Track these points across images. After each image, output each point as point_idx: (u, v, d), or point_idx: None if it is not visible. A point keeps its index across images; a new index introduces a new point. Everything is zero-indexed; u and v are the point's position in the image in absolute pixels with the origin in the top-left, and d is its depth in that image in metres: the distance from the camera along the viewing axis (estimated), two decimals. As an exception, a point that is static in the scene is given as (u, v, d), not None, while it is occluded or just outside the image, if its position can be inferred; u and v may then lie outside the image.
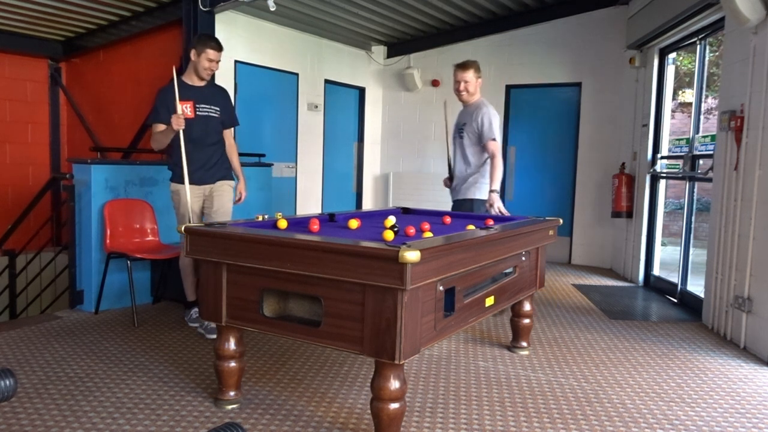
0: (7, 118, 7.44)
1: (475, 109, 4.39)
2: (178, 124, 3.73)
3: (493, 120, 4.32)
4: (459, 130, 4.48)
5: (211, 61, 3.93)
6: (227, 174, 4.17)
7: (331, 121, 7.89)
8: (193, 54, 3.94)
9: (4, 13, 6.37)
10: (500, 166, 4.29)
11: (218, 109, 4.06)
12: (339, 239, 2.51)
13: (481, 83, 4.46)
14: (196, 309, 4.01)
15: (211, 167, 4.05)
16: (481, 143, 4.37)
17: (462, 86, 4.35)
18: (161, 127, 3.90)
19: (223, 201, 4.10)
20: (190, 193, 3.86)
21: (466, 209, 4.41)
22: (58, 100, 7.81)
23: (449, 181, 4.74)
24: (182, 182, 3.87)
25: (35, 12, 6.34)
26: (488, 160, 4.37)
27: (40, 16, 6.50)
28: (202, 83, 4.03)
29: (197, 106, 3.91)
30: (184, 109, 3.77)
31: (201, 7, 5.63)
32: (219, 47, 3.96)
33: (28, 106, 7.61)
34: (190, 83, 3.99)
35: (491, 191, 4.26)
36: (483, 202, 4.38)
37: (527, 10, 7.19)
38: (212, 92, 4.10)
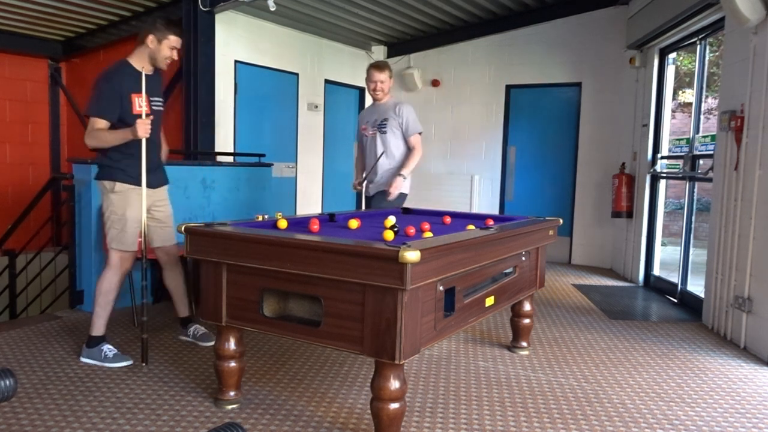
0: (7, 118, 7.44)
1: (393, 105, 4.48)
2: (145, 131, 3.22)
3: (415, 114, 4.49)
4: (380, 125, 4.46)
5: (173, 48, 3.47)
6: (166, 177, 3.77)
7: (331, 121, 7.90)
8: (151, 40, 3.40)
9: (4, 13, 6.37)
10: (419, 157, 4.47)
11: (162, 101, 3.60)
12: (339, 239, 2.51)
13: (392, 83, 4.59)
14: (106, 346, 3.45)
15: (157, 168, 3.60)
16: (404, 137, 4.46)
17: (378, 86, 4.43)
18: (102, 123, 3.30)
19: (169, 209, 3.73)
20: (137, 196, 3.40)
21: (394, 205, 4.40)
22: (58, 100, 7.82)
23: (359, 181, 4.58)
24: (135, 183, 3.38)
25: (35, 12, 6.34)
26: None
27: (40, 16, 6.51)
28: (151, 71, 3.49)
29: (151, 99, 3.41)
30: (139, 103, 3.31)
31: (201, 7, 5.63)
32: (181, 33, 3.54)
33: (28, 106, 7.62)
34: (140, 70, 3.43)
35: (399, 174, 4.38)
36: (406, 195, 4.51)
37: (527, 10, 7.19)
38: (157, 81, 3.58)
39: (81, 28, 7.03)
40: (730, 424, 2.81)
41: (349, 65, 8.05)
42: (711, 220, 4.57)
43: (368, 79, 4.47)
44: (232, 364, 2.80)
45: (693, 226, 5.37)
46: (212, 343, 3.58)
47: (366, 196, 4.63)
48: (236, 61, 6.43)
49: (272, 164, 6.02)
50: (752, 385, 3.32)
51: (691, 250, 5.38)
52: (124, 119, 3.32)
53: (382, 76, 4.42)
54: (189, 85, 5.83)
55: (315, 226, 2.95)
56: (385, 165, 4.50)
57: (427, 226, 3.13)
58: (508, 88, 7.62)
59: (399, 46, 8.27)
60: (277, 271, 2.50)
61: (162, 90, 3.66)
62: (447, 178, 8.04)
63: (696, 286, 5.14)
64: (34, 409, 2.77)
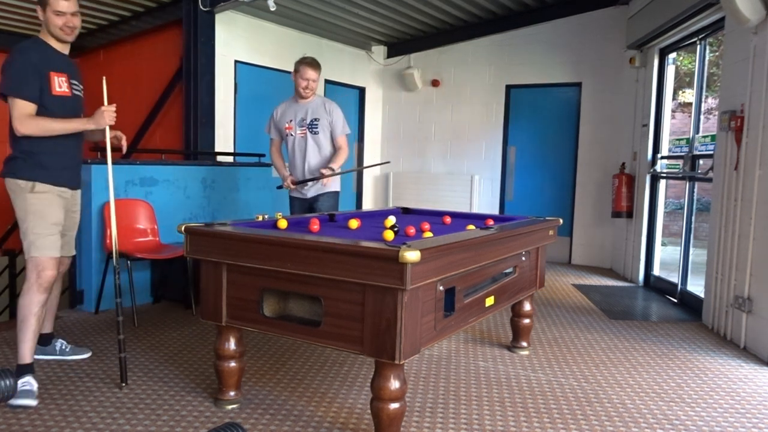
0: (7, 117, 7.43)
1: (322, 103, 4.32)
2: (111, 119, 2.91)
3: (342, 115, 4.36)
4: (311, 125, 4.27)
5: (60, 14, 2.95)
6: (81, 179, 3.30)
7: (331, 121, 7.89)
8: (39, 12, 3.01)
9: (4, 13, 6.37)
10: (346, 157, 4.32)
11: (81, 87, 3.19)
12: (339, 239, 2.51)
13: None
14: (28, 378, 2.86)
15: (76, 165, 3.17)
16: (331, 137, 4.31)
17: (310, 84, 4.25)
18: (30, 106, 2.86)
19: (79, 216, 3.31)
20: (58, 198, 3.02)
21: (331, 203, 4.29)
22: (58, 100, 7.80)
23: (298, 182, 4.34)
24: (56, 182, 3.00)
25: (35, 12, 6.33)
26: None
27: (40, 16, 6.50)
28: (63, 49, 3.07)
29: (71, 82, 3.06)
30: (59, 82, 2.95)
31: (201, 7, 5.64)
32: None
33: (28, 106, 7.60)
34: (54, 47, 3.03)
35: (329, 167, 4.18)
36: (338, 193, 4.41)
37: (527, 10, 7.19)
38: (73, 62, 3.15)
39: (81, 28, 7.00)
40: (730, 424, 2.81)
41: (349, 65, 8.05)
42: (711, 220, 4.57)
43: (299, 75, 4.23)
44: (232, 364, 2.80)
45: (693, 226, 5.37)
46: (84, 356, 3.37)
47: (300, 198, 4.38)
48: (236, 61, 6.43)
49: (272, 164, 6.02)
50: (752, 385, 3.32)
51: (691, 250, 5.37)
52: (42, 100, 2.91)
53: (314, 75, 4.25)
54: (189, 85, 5.83)
55: (315, 226, 2.95)
56: (318, 165, 4.27)
57: (427, 226, 3.13)
58: (508, 88, 7.62)
59: (399, 46, 8.26)
60: (277, 271, 2.50)
61: (79, 76, 3.18)
62: (447, 178, 8.03)
63: (696, 286, 5.13)
64: (34, 408, 2.77)
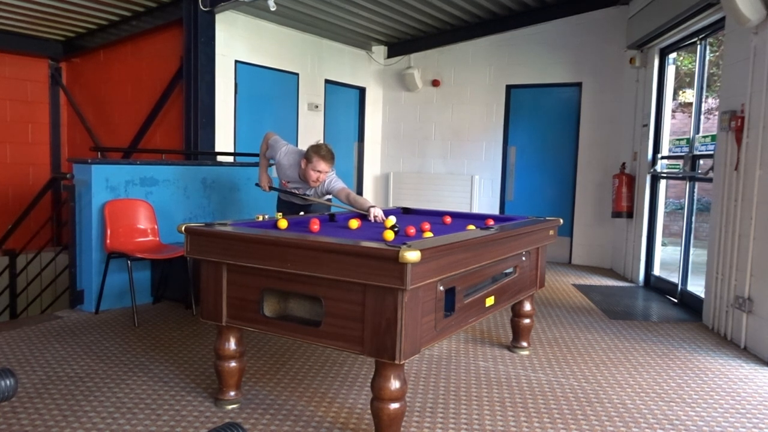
0: (7, 118, 7.44)
1: (323, 186, 4.08)
2: None
3: (337, 177, 4.11)
4: (304, 196, 4.16)
5: None
6: None
7: (332, 121, 7.89)
8: None
9: (4, 13, 6.37)
10: (352, 193, 4.07)
11: None
12: (339, 239, 2.51)
13: None
14: None
15: None
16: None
17: (321, 177, 3.95)
18: None
19: None
20: None
21: (324, 207, 4.22)
22: (59, 100, 7.82)
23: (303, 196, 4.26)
24: None
25: (35, 12, 6.34)
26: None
27: (40, 16, 6.50)
28: None
29: None
30: None
31: (201, 7, 5.64)
32: None
33: (29, 106, 7.61)
34: None
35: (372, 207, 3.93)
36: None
37: (527, 10, 7.19)
38: None
39: (81, 28, 7.03)
40: (731, 424, 2.81)
41: (349, 65, 8.05)
42: (711, 220, 4.57)
43: (311, 167, 3.89)
44: (232, 364, 2.80)
45: (693, 226, 5.36)
46: None
47: (288, 203, 4.34)
48: (236, 61, 6.42)
49: (273, 164, 6.01)
50: (752, 385, 3.32)
51: (691, 250, 5.37)
52: None
53: (327, 168, 3.95)
54: (189, 85, 5.83)
55: (315, 226, 2.95)
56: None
57: (427, 226, 3.13)
58: (508, 88, 7.62)
59: (399, 46, 8.26)
60: (277, 271, 2.50)
61: None
62: (447, 178, 8.04)
63: (696, 286, 5.13)
64: (34, 409, 2.77)
